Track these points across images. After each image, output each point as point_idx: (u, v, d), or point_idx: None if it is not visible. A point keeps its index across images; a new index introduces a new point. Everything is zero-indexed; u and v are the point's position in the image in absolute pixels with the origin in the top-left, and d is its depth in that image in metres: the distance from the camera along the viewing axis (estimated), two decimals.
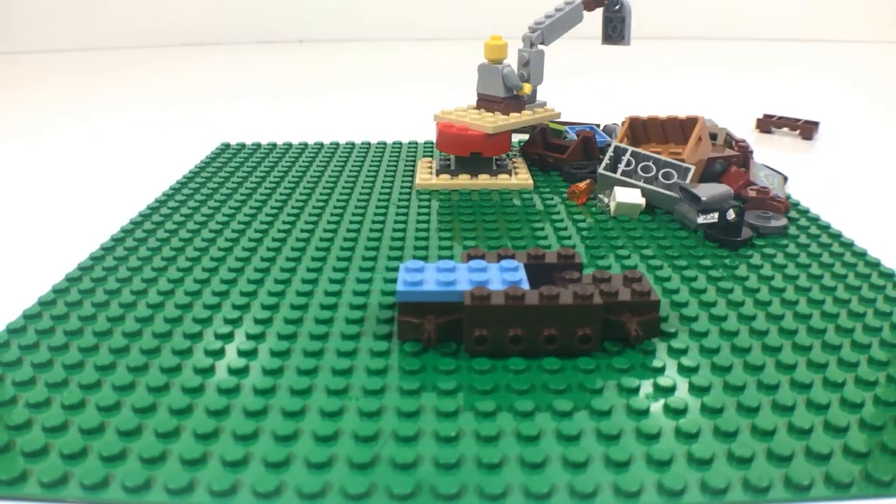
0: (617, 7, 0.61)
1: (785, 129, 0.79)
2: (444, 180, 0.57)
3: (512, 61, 0.57)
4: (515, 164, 0.61)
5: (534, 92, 0.60)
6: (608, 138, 0.66)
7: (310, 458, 0.26)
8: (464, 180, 0.57)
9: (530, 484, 0.25)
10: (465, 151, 0.57)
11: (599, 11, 0.62)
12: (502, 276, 0.35)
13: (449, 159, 0.60)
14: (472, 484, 0.25)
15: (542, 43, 0.58)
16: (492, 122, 0.55)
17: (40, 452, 0.26)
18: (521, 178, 0.57)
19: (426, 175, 0.58)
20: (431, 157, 0.67)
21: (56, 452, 0.26)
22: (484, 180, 0.57)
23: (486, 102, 0.58)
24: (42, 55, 1.49)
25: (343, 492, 0.25)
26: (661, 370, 0.31)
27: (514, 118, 0.57)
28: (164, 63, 1.38)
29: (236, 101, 1.00)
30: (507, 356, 0.32)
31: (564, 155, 0.60)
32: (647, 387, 0.30)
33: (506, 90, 0.57)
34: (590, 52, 1.02)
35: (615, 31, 0.63)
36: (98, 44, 1.57)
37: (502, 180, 0.57)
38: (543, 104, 0.61)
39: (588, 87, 1.04)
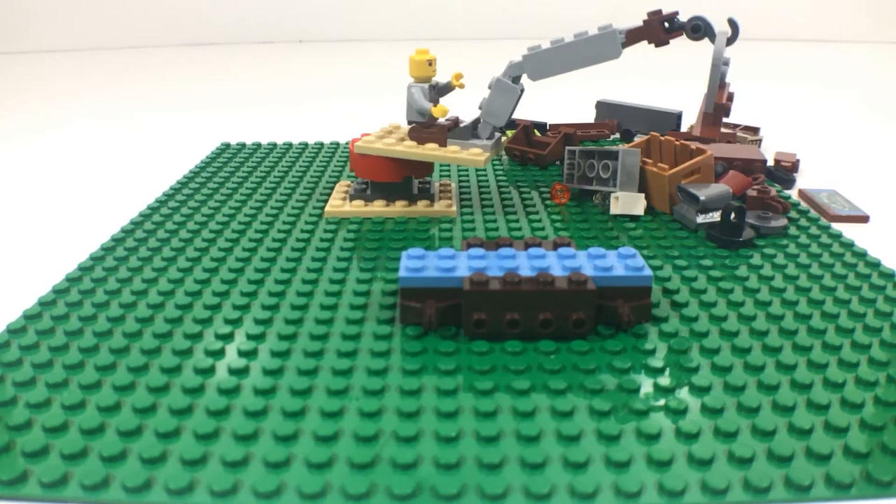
0: (699, 33, 0.49)
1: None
2: (357, 207, 0.51)
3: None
4: (443, 188, 0.55)
5: (491, 129, 0.50)
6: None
7: (310, 459, 0.26)
8: (378, 207, 0.51)
9: (530, 484, 0.25)
10: (397, 177, 0.51)
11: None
12: (500, 264, 0.36)
13: (365, 183, 0.53)
14: (472, 484, 0.25)
15: (521, 77, 0.48)
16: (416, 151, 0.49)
17: (40, 453, 0.26)
18: (444, 204, 0.52)
19: (338, 201, 0.52)
20: None
21: (56, 453, 0.26)
22: (401, 208, 0.51)
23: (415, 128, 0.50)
24: (42, 55, 1.49)
25: (343, 492, 0.25)
26: (661, 370, 0.31)
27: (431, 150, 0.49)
28: (164, 63, 1.38)
29: (236, 101, 1.00)
30: (505, 339, 0.34)
31: (545, 151, 0.60)
32: (647, 386, 0.30)
33: (414, 113, 0.50)
34: None
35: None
36: (98, 44, 1.57)
37: (422, 207, 0.51)
38: (499, 139, 0.52)
39: (587, 87, 1.04)
